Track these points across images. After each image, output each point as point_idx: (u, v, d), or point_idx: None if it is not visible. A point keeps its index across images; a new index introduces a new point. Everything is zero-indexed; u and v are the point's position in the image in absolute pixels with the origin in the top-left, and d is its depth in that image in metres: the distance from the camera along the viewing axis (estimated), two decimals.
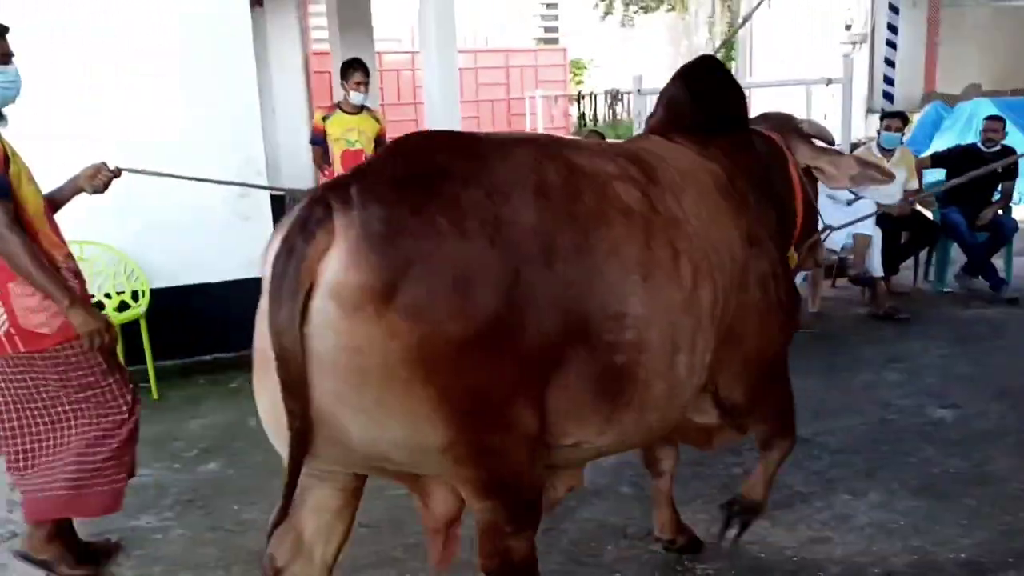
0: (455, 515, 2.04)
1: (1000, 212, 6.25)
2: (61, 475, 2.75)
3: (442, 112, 5.86)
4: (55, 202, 2.88)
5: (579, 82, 28.77)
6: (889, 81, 7.14)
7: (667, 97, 2.64)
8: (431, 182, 1.79)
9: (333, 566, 2.05)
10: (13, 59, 2.71)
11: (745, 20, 9.32)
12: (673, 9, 25.11)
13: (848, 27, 15.27)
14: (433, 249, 1.71)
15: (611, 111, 11.09)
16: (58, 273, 2.64)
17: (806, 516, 3.18)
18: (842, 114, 7.17)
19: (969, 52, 14.97)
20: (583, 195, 1.96)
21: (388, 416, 1.74)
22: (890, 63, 7.16)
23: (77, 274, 2.80)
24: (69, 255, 2.79)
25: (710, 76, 2.66)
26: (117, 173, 2.99)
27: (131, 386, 2.87)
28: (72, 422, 2.76)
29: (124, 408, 2.81)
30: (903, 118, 6.17)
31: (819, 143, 2.87)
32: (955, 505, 3.21)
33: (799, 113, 6.54)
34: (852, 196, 6.03)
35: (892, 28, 7.08)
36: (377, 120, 5.89)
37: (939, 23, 14.96)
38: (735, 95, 2.65)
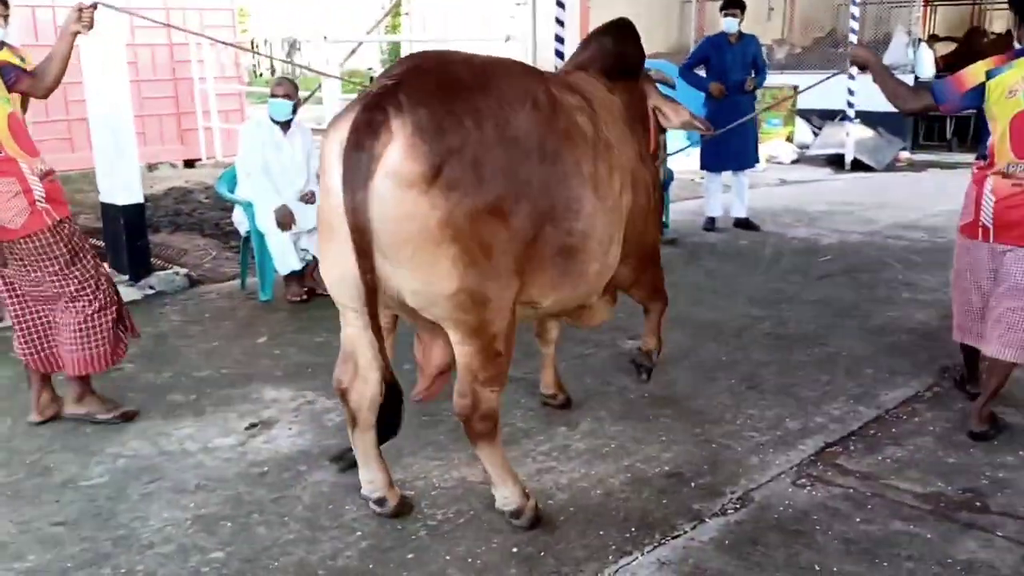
0: (444, 366, 2.77)
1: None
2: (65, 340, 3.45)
3: (102, 63, 5.22)
4: (48, 69, 3.41)
5: (243, 31, 27.21)
6: (559, 39, 7.53)
7: (591, 44, 3.37)
8: (459, 93, 2.41)
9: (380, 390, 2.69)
10: None
11: None
12: None
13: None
14: (464, 144, 2.33)
15: (290, 58, 10.57)
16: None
17: (530, 450, 3.33)
18: None
19: (613, 14, 16.48)
20: (560, 117, 2.65)
21: (421, 268, 2.36)
22: (560, 22, 7.55)
23: (46, 175, 3.34)
24: (40, 161, 3.34)
25: (622, 34, 3.35)
26: (94, 6, 3.52)
27: (95, 273, 3.45)
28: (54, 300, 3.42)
29: (88, 291, 3.42)
30: None
31: (663, 88, 3.56)
32: (654, 425, 3.55)
33: None
34: None
35: None
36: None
37: None
38: (637, 52, 3.37)
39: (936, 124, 12.22)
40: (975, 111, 3.42)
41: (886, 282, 5.62)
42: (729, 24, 6.85)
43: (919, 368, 4.15)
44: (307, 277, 5.38)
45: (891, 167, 10.85)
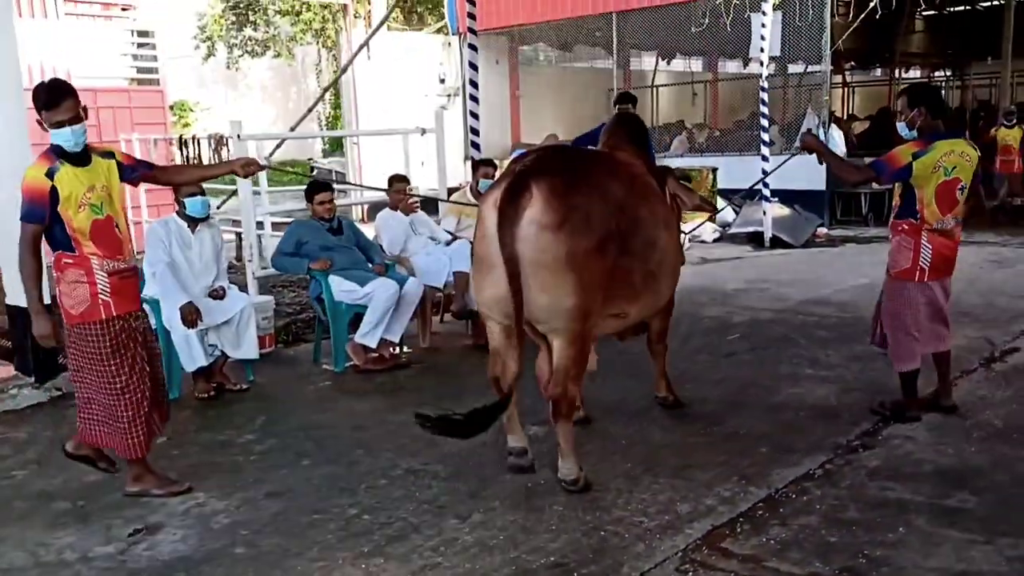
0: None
1: None
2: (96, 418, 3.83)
3: (9, 156, 5.21)
4: (187, 174, 4.60)
5: (186, 124, 27.36)
6: (475, 132, 7.77)
7: (618, 127, 4.60)
8: (575, 170, 3.70)
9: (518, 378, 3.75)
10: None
11: (344, 69, 9.61)
12: (279, 55, 25.06)
13: (442, 80, 16.53)
14: (580, 204, 3.52)
15: (216, 155, 10.72)
16: (35, 289, 3.66)
17: (418, 546, 3.31)
18: (437, 160, 7.71)
19: (545, 106, 17.04)
20: (636, 183, 3.94)
21: (550, 290, 3.49)
22: (475, 115, 7.79)
23: (115, 273, 3.74)
24: (115, 260, 3.74)
25: (633, 121, 4.75)
26: (263, 168, 4.53)
27: (138, 368, 3.80)
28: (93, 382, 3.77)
29: (117, 385, 3.75)
30: (493, 165, 6.77)
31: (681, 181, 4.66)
32: (546, 514, 3.56)
33: (400, 156, 6.82)
34: (450, 236, 6.49)
35: (474, 84, 7.73)
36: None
37: (519, 80, 16.87)
38: (644, 132, 4.70)
39: (853, 201, 12.71)
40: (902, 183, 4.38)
41: (790, 359, 5.76)
42: None
43: (813, 446, 4.23)
44: (216, 373, 5.34)
45: (809, 243, 11.20)
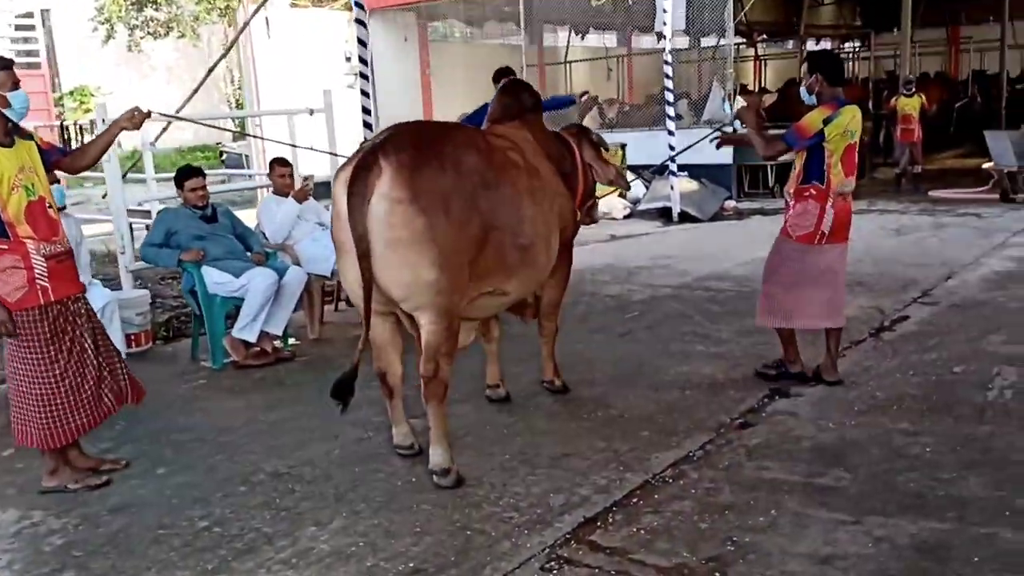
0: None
1: None
2: (33, 414, 3.67)
3: None
4: (89, 152, 3.93)
5: (87, 110, 26.18)
6: (367, 111, 7.52)
7: (499, 100, 4.39)
8: (427, 144, 3.52)
9: (402, 365, 3.86)
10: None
11: (231, 45, 9.20)
12: (184, 36, 24.12)
13: (348, 59, 16.06)
14: (432, 177, 3.40)
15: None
16: None
17: (268, 559, 3.08)
18: (328, 143, 7.41)
19: (457, 82, 16.71)
20: (496, 155, 3.77)
21: (409, 265, 3.37)
22: (365, 94, 7.57)
23: (52, 256, 3.64)
24: (51, 243, 3.63)
25: (519, 88, 4.52)
26: (148, 114, 4.02)
27: (76, 349, 3.71)
28: (28, 373, 3.65)
29: (56, 371, 3.65)
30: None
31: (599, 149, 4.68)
32: (413, 515, 3.37)
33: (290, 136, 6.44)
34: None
35: (363, 61, 7.54)
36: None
37: (428, 57, 16.52)
38: (533, 98, 4.41)
39: (760, 173, 12.80)
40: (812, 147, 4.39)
41: (682, 336, 5.68)
42: None
43: (696, 426, 4.14)
44: None
45: (718, 217, 11.23)
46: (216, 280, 5.38)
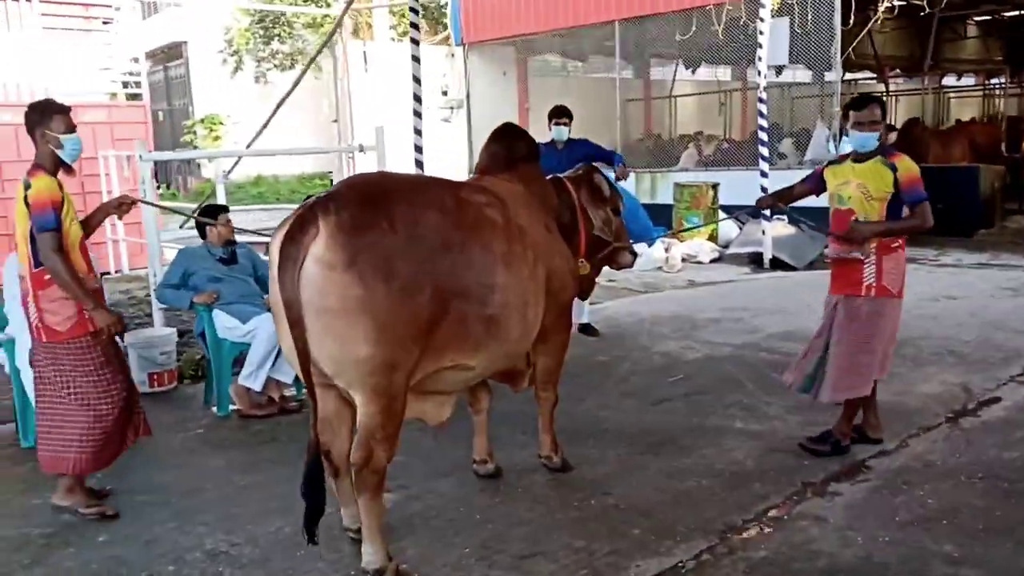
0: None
1: None
2: (73, 440, 3.78)
3: None
4: (89, 224, 4.03)
5: (216, 138, 27.50)
6: (419, 149, 7.25)
7: (487, 149, 4.02)
8: (376, 202, 3.08)
9: (351, 442, 3.22)
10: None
11: (299, 77, 9.16)
12: (311, 68, 24.93)
13: (444, 93, 16.08)
14: (375, 240, 2.98)
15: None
16: (83, 286, 3.72)
17: None
18: None
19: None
20: (467, 213, 3.31)
21: (339, 338, 2.97)
22: (418, 132, 7.29)
23: (98, 291, 3.90)
24: (93, 276, 3.87)
25: (509, 135, 4.08)
26: (135, 202, 4.24)
27: (122, 378, 3.91)
28: (80, 399, 3.78)
29: (113, 395, 3.83)
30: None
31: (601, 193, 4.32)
32: None
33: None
34: None
35: (417, 99, 7.23)
36: None
37: (527, 92, 16.29)
38: (528, 146, 4.03)
39: None
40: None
41: (724, 408, 5.05)
42: (559, 133, 6.69)
43: (699, 527, 3.55)
44: None
45: (814, 264, 10.36)
46: (226, 325, 5.19)
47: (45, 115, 3.81)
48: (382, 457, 3.10)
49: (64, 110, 3.87)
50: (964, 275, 9.01)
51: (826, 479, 4.00)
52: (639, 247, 5.18)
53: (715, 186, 11.32)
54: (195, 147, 24.84)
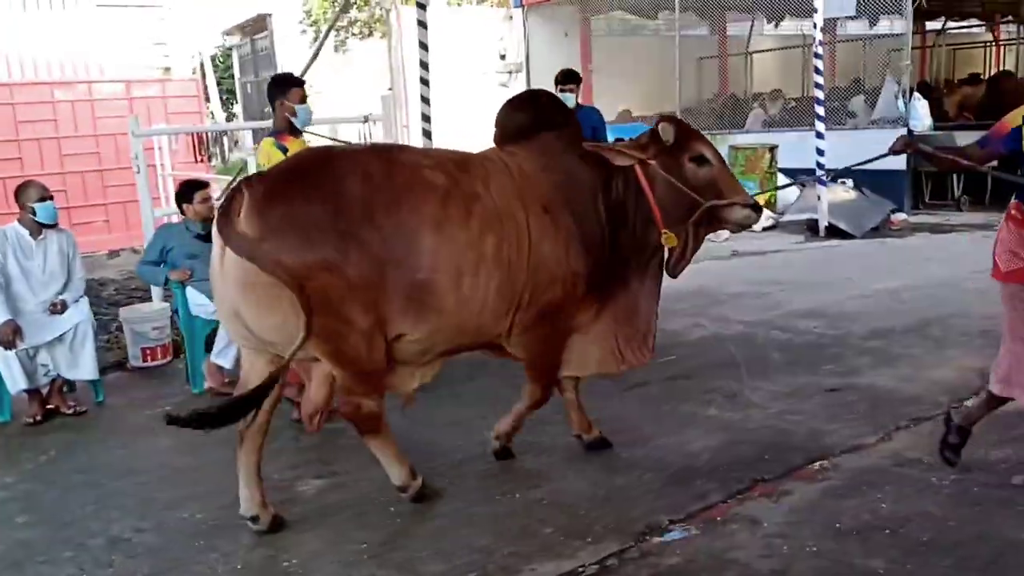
0: (325, 402, 3.47)
1: None
2: None
3: None
4: None
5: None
6: (426, 118, 7.06)
7: (496, 121, 3.71)
8: (300, 173, 3.19)
9: (273, 408, 3.33)
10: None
11: (328, 31, 9.00)
12: (385, 36, 25.01)
13: (503, 57, 15.74)
14: (291, 212, 3.05)
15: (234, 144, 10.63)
16: None
17: None
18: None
19: (618, 80, 15.81)
20: (396, 176, 3.23)
21: (264, 309, 3.06)
22: (425, 100, 7.08)
23: None
24: None
25: (518, 103, 3.75)
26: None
27: None
28: None
29: None
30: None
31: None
32: None
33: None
34: None
35: (424, 65, 7.02)
36: None
37: (590, 53, 15.76)
38: (537, 114, 3.65)
39: (947, 180, 10.90)
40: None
41: (703, 394, 4.70)
42: (567, 99, 6.29)
43: (618, 528, 3.28)
44: (53, 395, 4.97)
45: (878, 232, 9.67)
46: (197, 302, 5.18)
47: (284, 88, 4.52)
48: (370, 404, 3.28)
49: (299, 83, 4.64)
50: None
51: (781, 476, 3.65)
52: None
53: (773, 149, 10.68)
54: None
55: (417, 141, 7.18)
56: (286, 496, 3.69)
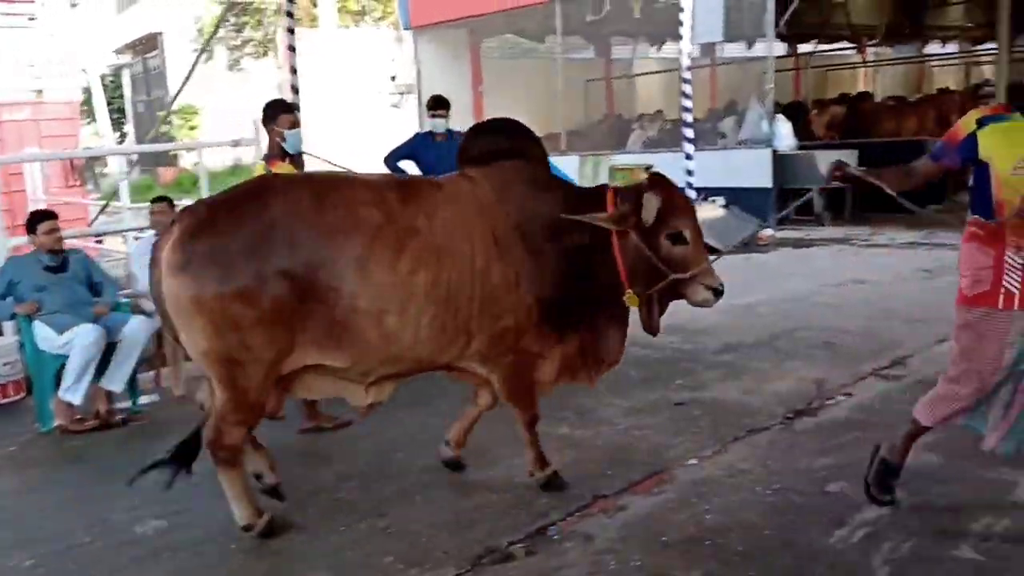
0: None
1: None
2: None
3: None
4: None
5: (192, 127, 27.34)
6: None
7: (461, 144, 3.76)
8: (226, 206, 3.33)
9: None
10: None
11: (189, 75, 8.92)
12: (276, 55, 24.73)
13: (393, 78, 15.80)
14: (211, 244, 3.18)
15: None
16: None
17: None
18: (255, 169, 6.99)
19: (509, 102, 16.03)
20: (325, 212, 3.26)
21: (186, 334, 3.27)
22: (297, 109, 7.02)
23: None
24: None
25: (480, 130, 3.81)
26: None
27: None
28: None
29: None
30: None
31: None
32: None
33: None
34: None
35: (295, 90, 6.97)
36: None
37: (481, 75, 15.97)
38: (496, 142, 3.66)
39: (809, 198, 11.44)
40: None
41: (560, 411, 4.71)
42: (436, 124, 6.41)
43: (457, 552, 3.32)
44: None
45: (747, 247, 10.07)
46: (43, 335, 5.01)
47: (273, 114, 4.72)
48: (234, 435, 3.34)
49: (288, 109, 4.88)
50: (887, 256, 8.73)
51: (619, 492, 3.78)
52: None
53: (648, 168, 11.00)
54: (172, 138, 24.76)
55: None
56: (124, 538, 3.60)
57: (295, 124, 4.72)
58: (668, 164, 11.06)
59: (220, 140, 7.41)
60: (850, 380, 5.06)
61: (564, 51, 16.48)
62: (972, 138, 3.15)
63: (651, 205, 3.43)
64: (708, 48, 18.81)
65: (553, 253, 3.53)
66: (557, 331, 3.66)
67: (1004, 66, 12.67)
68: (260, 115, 4.91)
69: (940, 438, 4.07)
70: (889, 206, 3.82)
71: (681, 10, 9.58)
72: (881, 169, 3.45)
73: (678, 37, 16.54)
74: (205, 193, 6.66)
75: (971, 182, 3.23)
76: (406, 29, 15.11)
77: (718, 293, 3.59)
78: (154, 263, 3.29)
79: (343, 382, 3.51)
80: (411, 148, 6.75)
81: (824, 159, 10.92)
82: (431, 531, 3.53)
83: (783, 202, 11.34)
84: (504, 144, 3.65)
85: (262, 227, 3.18)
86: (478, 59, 15.87)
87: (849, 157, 11.14)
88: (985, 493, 3.50)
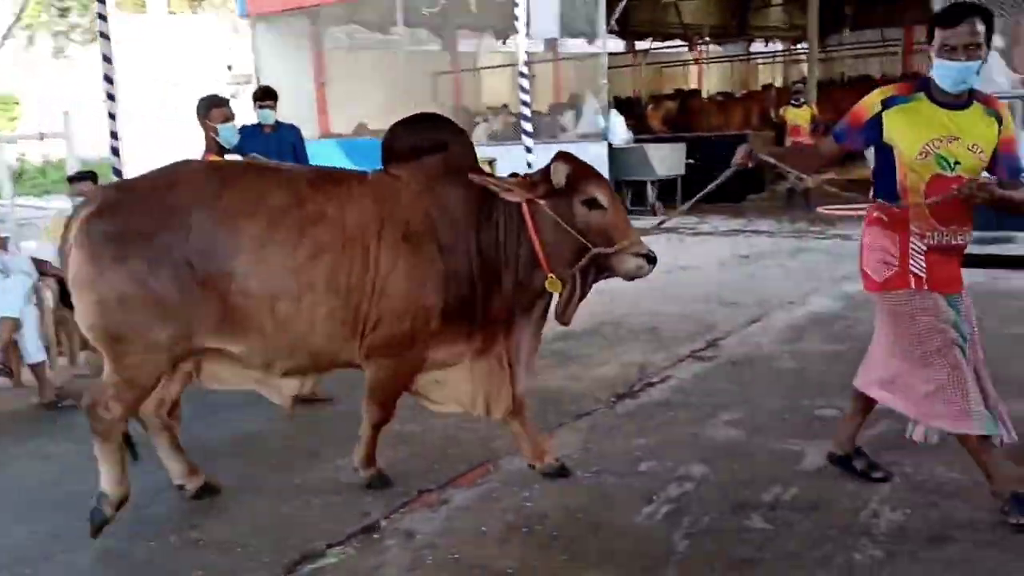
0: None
1: None
2: None
3: None
4: None
5: (12, 118, 25.41)
6: (114, 135, 6.66)
7: (384, 140, 3.59)
8: (131, 188, 3.54)
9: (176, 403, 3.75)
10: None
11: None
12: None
13: (230, 68, 15.26)
14: (110, 225, 3.24)
15: None
16: None
17: None
18: (68, 164, 6.61)
19: (356, 91, 15.80)
20: (230, 198, 3.33)
21: (77, 305, 3.30)
22: (111, 116, 6.67)
23: None
24: None
25: (410, 125, 3.61)
26: None
27: None
28: None
29: None
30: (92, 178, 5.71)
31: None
32: None
33: None
34: None
35: (108, 80, 6.60)
36: None
37: (324, 66, 15.65)
38: (413, 139, 3.53)
39: (643, 188, 11.92)
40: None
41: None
42: (264, 116, 6.25)
43: (272, 559, 3.23)
44: None
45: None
46: None
47: (205, 108, 4.74)
48: (111, 408, 3.30)
49: (221, 103, 4.84)
50: (710, 243, 9.21)
51: (444, 485, 3.82)
52: None
53: (491, 162, 11.14)
54: None
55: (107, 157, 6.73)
56: None
57: (228, 118, 4.76)
58: (512, 156, 11.31)
59: (26, 133, 6.88)
60: (670, 363, 5.32)
61: (410, 43, 16.46)
62: (877, 120, 3.05)
63: (559, 169, 3.33)
64: (551, 43, 19.33)
65: (465, 249, 3.43)
66: (465, 339, 3.57)
67: (814, 64, 13.63)
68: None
69: (744, 416, 4.37)
70: (716, 195, 3.90)
71: (516, 5, 9.71)
72: (785, 152, 3.55)
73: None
74: (7, 193, 6.25)
75: (873, 164, 3.16)
76: (243, 16, 14.58)
77: (651, 260, 3.35)
78: (64, 238, 3.35)
79: (250, 371, 3.51)
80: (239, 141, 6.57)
81: (656, 152, 11.44)
82: (245, 540, 3.43)
83: (619, 194, 11.80)
84: (428, 138, 3.54)
85: (163, 211, 3.25)
86: (320, 49, 15.53)
87: (678, 150, 11.76)
88: (777, 465, 3.76)
